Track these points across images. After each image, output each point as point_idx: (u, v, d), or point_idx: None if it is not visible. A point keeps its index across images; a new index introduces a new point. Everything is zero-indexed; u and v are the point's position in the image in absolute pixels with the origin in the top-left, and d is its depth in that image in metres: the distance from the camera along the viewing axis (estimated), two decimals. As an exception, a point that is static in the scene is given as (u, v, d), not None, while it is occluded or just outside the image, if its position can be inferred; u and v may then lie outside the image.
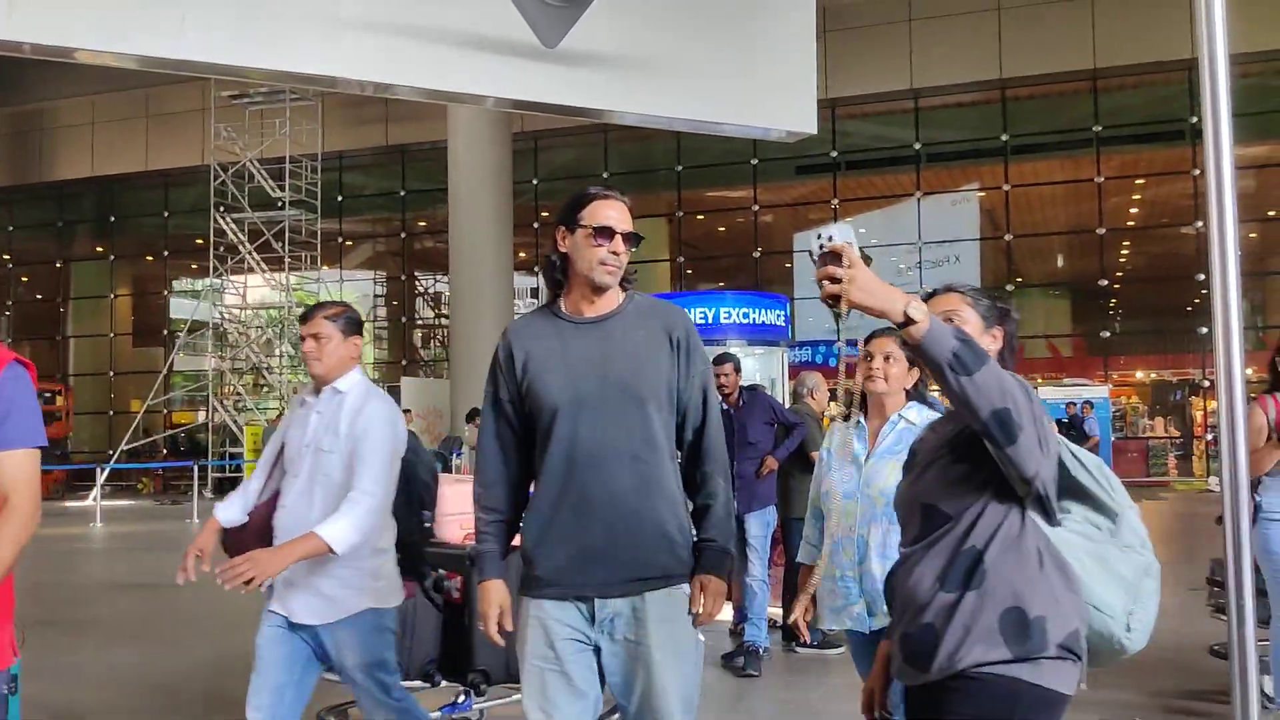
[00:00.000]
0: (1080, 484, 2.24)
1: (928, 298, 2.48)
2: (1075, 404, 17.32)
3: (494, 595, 2.68)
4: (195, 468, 18.50)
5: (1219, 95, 2.81)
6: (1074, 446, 2.30)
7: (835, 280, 1.94)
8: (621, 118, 12.71)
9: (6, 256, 29.88)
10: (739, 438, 6.20)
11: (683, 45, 9.52)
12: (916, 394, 3.57)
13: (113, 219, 29.06)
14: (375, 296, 28.55)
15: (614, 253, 2.68)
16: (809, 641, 6.22)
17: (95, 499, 17.26)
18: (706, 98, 10.19)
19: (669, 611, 2.61)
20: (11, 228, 29.60)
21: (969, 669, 2.06)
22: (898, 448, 3.37)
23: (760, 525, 6.33)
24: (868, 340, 3.67)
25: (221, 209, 23.08)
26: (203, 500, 17.87)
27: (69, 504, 20.02)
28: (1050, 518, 2.15)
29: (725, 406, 6.35)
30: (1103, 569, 2.19)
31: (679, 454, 2.75)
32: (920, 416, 3.46)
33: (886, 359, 3.54)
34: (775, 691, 5.93)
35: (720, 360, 6.37)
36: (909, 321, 1.92)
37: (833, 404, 7.73)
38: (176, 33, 8.62)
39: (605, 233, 2.68)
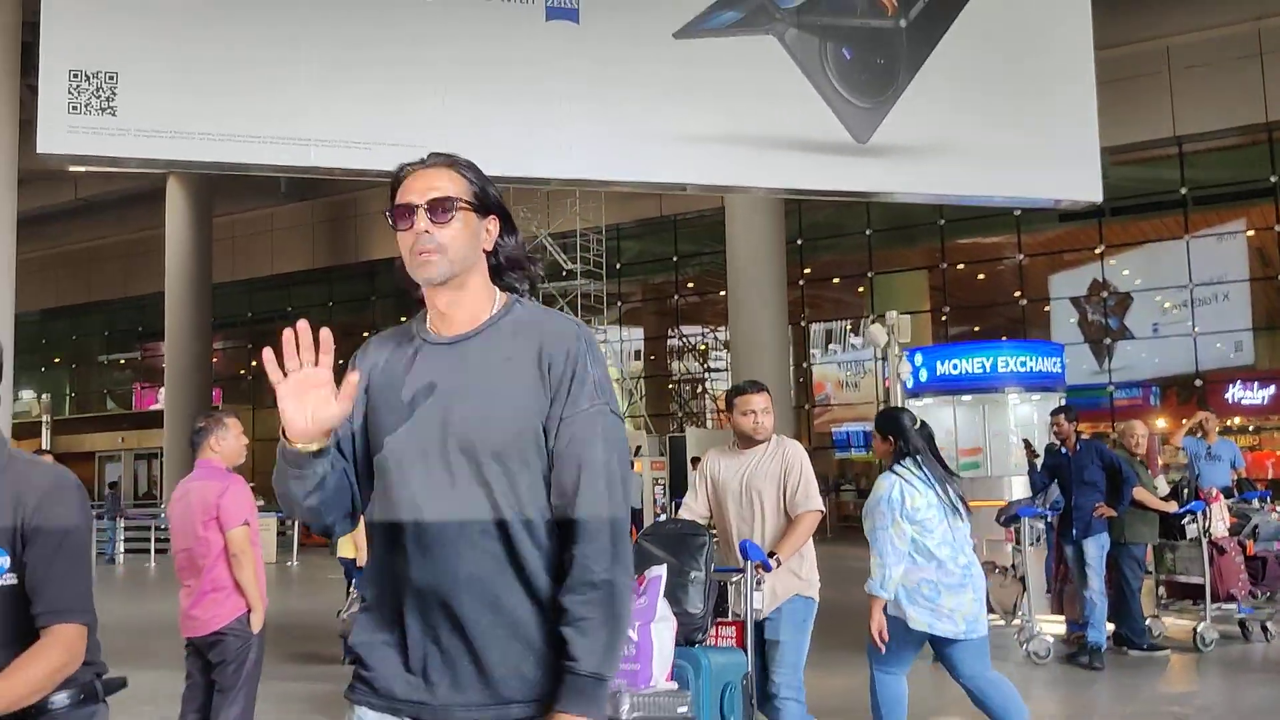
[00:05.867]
0: None
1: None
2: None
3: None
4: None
5: None
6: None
7: None
8: (924, 199, 14.38)
9: (327, 328, 33.40)
10: (1075, 477, 7.43)
11: (975, 131, 10.91)
12: None
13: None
14: (646, 356, 30.65)
15: (423, 232, 1.94)
16: (1142, 646, 7.47)
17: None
18: (999, 177, 11.54)
19: None
20: (331, 303, 33.34)
21: None
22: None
23: (1096, 548, 7.46)
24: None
25: (518, 280, 25.52)
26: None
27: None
28: None
29: (1064, 451, 7.62)
30: None
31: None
32: None
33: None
34: (1119, 679, 7.13)
35: (1056, 412, 7.68)
36: None
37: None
38: (565, 156, 10.68)
39: (404, 213, 1.96)
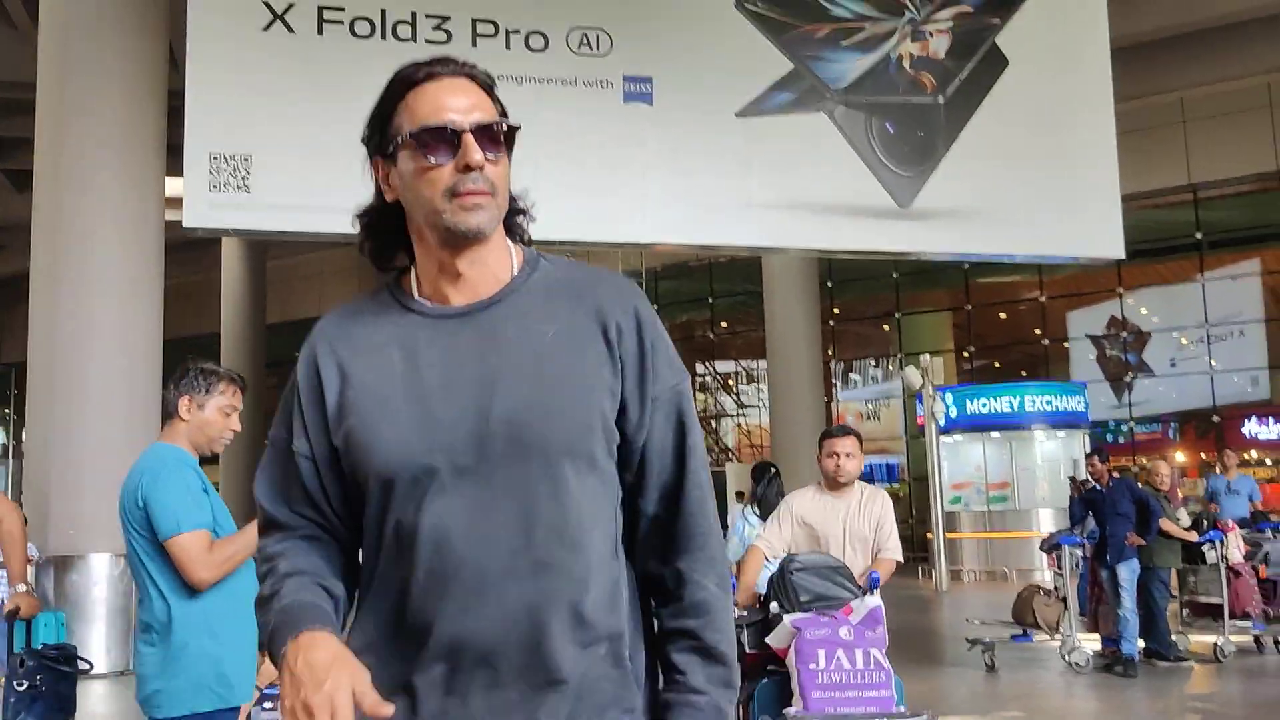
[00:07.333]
0: None
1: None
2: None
3: (320, 656, 1.29)
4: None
5: None
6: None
7: None
8: (959, 258, 15.79)
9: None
10: (1109, 510, 8.47)
11: (1005, 196, 12.15)
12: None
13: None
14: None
15: (469, 167, 1.40)
16: (1169, 658, 8.52)
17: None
18: (1027, 237, 12.78)
19: None
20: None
21: None
22: None
23: (1128, 572, 8.40)
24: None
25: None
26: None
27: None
28: None
29: (1098, 487, 8.69)
30: None
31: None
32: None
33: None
34: (1150, 684, 8.12)
35: (1090, 454, 8.78)
36: None
37: None
38: (641, 222, 11.94)
39: (438, 139, 1.41)
